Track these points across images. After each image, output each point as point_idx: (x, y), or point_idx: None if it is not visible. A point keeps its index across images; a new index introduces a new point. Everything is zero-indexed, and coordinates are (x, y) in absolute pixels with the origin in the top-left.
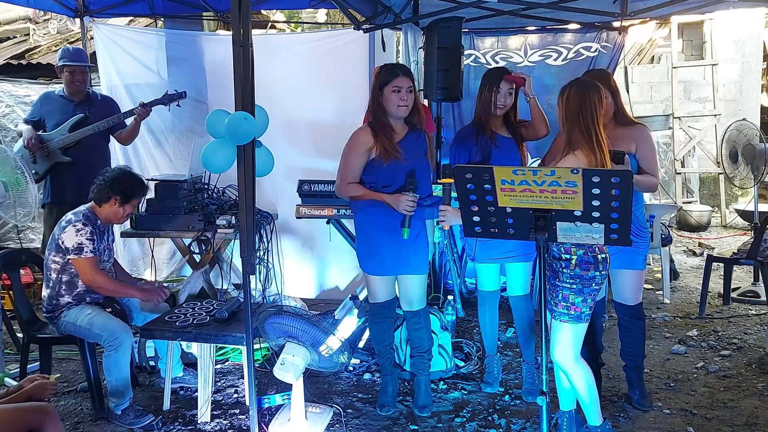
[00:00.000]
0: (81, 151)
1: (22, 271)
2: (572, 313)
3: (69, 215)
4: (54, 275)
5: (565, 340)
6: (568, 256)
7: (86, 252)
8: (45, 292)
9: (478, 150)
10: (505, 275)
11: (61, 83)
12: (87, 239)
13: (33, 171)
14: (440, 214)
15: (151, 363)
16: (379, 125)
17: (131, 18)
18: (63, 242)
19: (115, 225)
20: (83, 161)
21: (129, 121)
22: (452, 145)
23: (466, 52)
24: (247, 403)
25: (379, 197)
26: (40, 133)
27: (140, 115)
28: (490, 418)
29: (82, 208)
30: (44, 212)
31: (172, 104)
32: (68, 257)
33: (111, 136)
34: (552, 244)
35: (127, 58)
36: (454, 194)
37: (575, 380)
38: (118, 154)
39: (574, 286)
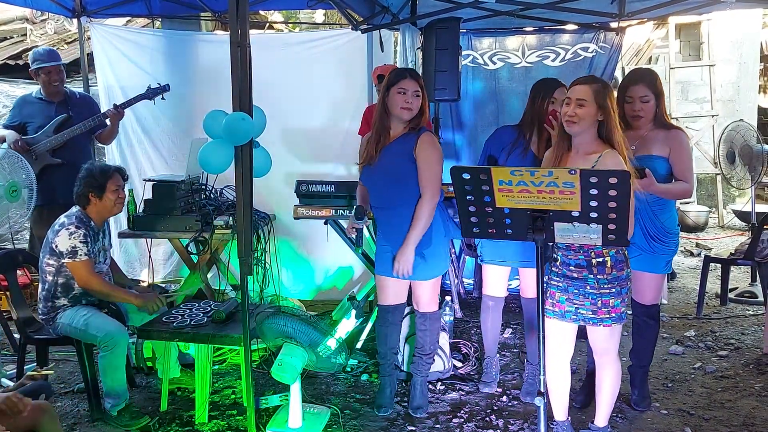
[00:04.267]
0: (68, 151)
1: (18, 272)
2: (613, 315)
3: (62, 218)
4: (49, 278)
5: (609, 340)
6: (601, 260)
7: (80, 255)
8: (41, 294)
9: (512, 159)
10: (518, 276)
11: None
12: (80, 242)
13: (20, 175)
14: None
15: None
16: (377, 127)
17: (129, 18)
18: (57, 246)
19: (112, 225)
20: (71, 162)
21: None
22: (489, 142)
23: (463, 53)
24: (245, 404)
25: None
26: (23, 137)
27: (113, 116)
28: (487, 418)
29: (74, 210)
30: (33, 214)
31: (159, 100)
32: (63, 261)
33: (92, 136)
34: (576, 252)
35: (124, 59)
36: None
37: (608, 375)
38: (114, 155)
39: (613, 290)
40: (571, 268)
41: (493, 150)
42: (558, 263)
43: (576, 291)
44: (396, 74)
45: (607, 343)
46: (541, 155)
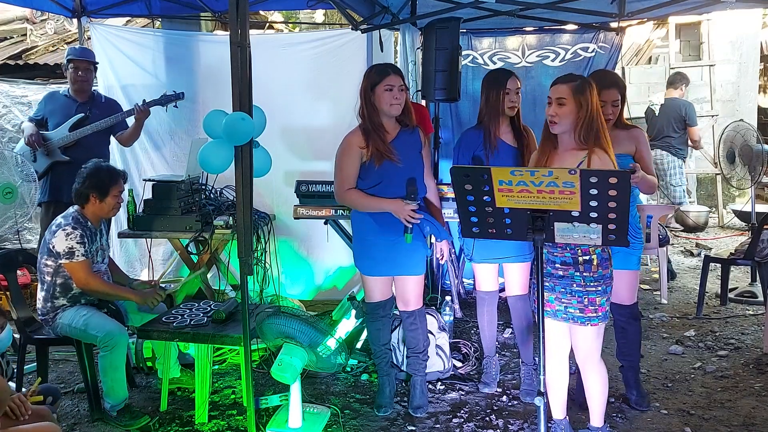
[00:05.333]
0: (80, 151)
1: (19, 272)
2: (600, 314)
3: (59, 219)
4: (48, 278)
5: (595, 342)
6: (587, 257)
7: (77, 256)
8: (40, 295)
9: (489, 156)
10: (503, 276)
11: (65, 84)
12: (77, 243)
13: (32, 170)
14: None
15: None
16: (371, 126)
17: (128, 18)
18: (54, 246)
19: (112, 225)
20: (82, 161)
21: (130, 121)
22: (456, 148)
23: (463, 53)
24: (245, 404)
25: (381, 206)
26: (42, 131)
27: (138, 114)
28: (487, 418)
29: (70, 210)
30: (41, 211)
31: (170, 105)
32: (60, 261)
33: (112, 137)
34: (563, 250)
35: (124, 59)
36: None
37: (595, 379)
38: (115, 155)
39: (599, 288)
40: (556, 265)
41: (469, 151)
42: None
43: (563, 290)
44: (378, 72)
45: (592, 344)
46: (509, 141)
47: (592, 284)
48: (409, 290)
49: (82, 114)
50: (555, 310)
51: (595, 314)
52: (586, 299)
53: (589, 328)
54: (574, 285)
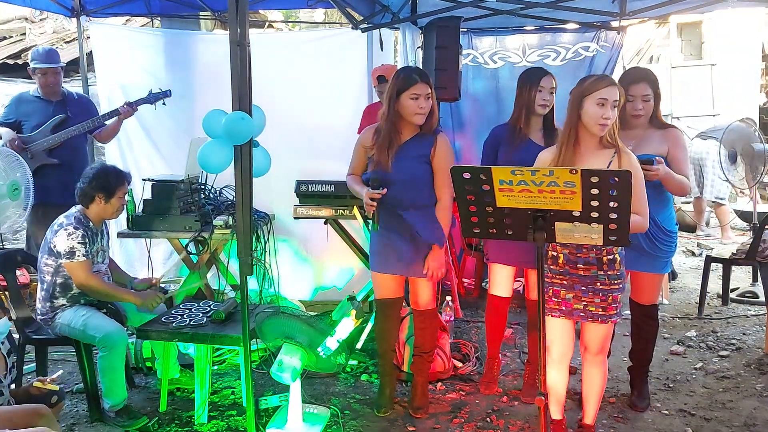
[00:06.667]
0: (65, 151)
1: (18, 272)
2: (618, 310)
3: (61, 218)
4: (48, 278)
5: (609, 337)
6: (612, 257)
7: (78, 256)
8: (39, 294)
9: (513, 151)
10: (522, 277)
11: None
12: (79, 243)
13: (18, 174)
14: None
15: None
16: (387, 128)
17: (128, 18)
18: (55, 246)
19: (111, 225)
20: (67, 162)
21: (111, 120)
22: (486, 142)
23: (464, 52)
24: (244, 405)
25: (356, 189)
26: (19, 135)
27: (125, 114)
28: (488, 419)
29: (72, 210)
30: (28, 213)
31: (159, 103)
32: (60, 261)
33: (89, 135)
34: (588, 251)
35: (124, 58)
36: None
37: (600, 376)
38: (115, 154)
39: (621, 285)
40: (579, 266)
41: (494, 148)
42: (560, 261)
43: (585, 288)
44: (405, 79)
45: (606, 340)
46: (539, 141)
47: (615, 282)
48: (421, 291)
49: (63, 115)
50: (572, 309)
51: (615, 311)
52: (610, 297)
53: (608, 325)
54: (598, 284)
